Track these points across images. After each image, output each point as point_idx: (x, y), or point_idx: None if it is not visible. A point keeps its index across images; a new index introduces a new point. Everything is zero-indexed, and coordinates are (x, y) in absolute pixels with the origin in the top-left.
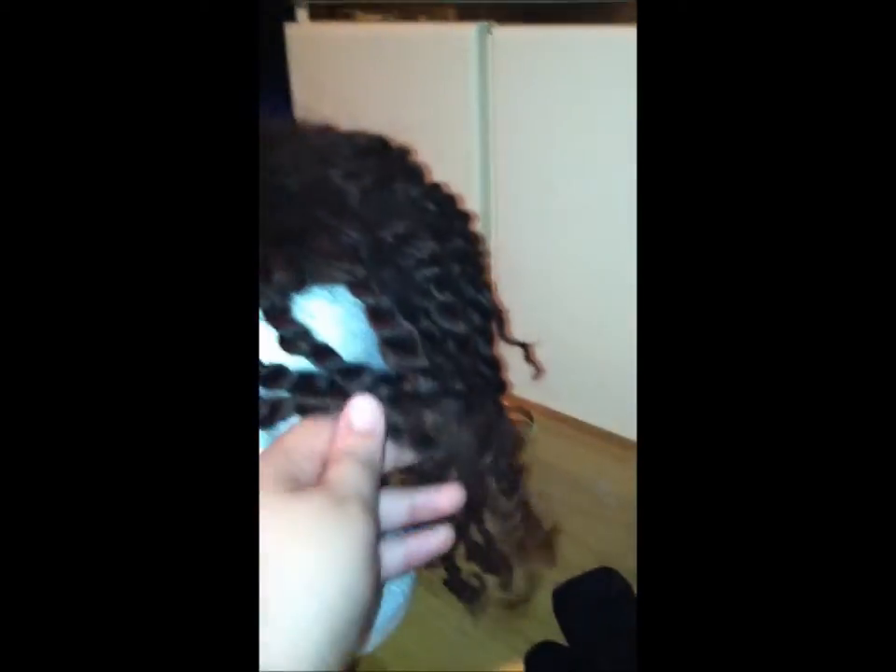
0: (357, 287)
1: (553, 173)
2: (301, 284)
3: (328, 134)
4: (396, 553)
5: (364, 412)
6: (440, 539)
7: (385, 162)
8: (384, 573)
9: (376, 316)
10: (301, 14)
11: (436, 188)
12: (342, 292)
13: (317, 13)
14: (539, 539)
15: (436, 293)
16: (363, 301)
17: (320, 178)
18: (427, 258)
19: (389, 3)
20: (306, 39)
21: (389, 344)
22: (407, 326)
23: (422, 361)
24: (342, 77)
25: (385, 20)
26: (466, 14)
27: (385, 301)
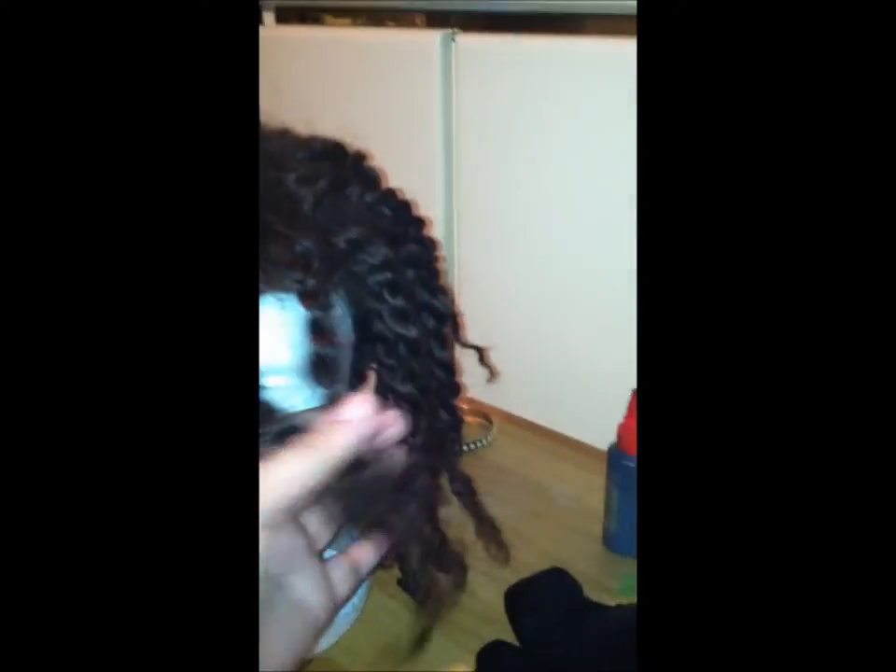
0: (306, 298)
1: (514, 179)
2: None
3: (284, 138)
4: (341, 568)
5: (359, 406)
6: (377, 544)
7: (340, 167)
8: (336, 590)
9: (318, 331)
10: (268, 17)
11: (391, 193)
12: (291, 301)
13: (286, 16)
14: (493, 539)
15: (388, 298)
16: (310, 312)
17: (274, 182)
18: (380, 263)
19: (359, 8)
20: (271, 42)
21: (319, 361)
22: (342, 348)
23: (340, 386)
24: (306, 81)
25: (354, 24)
26: (435, 21)
27: (328, 318)
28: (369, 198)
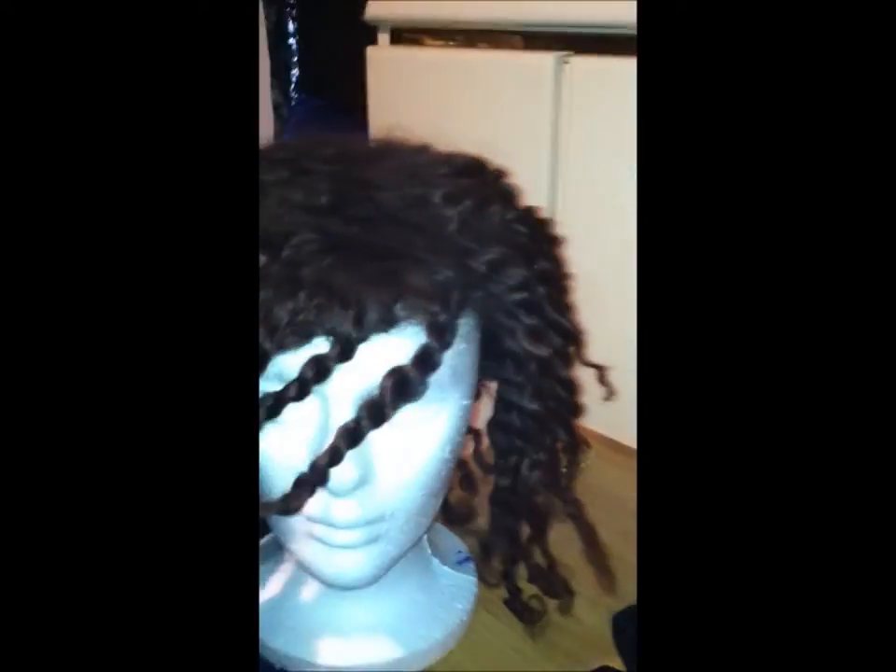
0: (434, 332)
1: (620, 201)
2: (389, 325)
3: (425, 153)
4: None
5: None
6: None
7: (483, 185)
8: None
9: (432, 365)
10: (383, 37)
11: (529, 211)
12: (418, 331)
13: (395, 38)
14: (600, 564)
15: (523, 317)
16: (431, 345)
17: (418, 197)
18: (518, 284)
19: (457, 30)
20: (385, 61)
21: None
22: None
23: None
24: (416, 100)
25: (447, 45)
26: (531, 43)
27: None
28: (508, 216)
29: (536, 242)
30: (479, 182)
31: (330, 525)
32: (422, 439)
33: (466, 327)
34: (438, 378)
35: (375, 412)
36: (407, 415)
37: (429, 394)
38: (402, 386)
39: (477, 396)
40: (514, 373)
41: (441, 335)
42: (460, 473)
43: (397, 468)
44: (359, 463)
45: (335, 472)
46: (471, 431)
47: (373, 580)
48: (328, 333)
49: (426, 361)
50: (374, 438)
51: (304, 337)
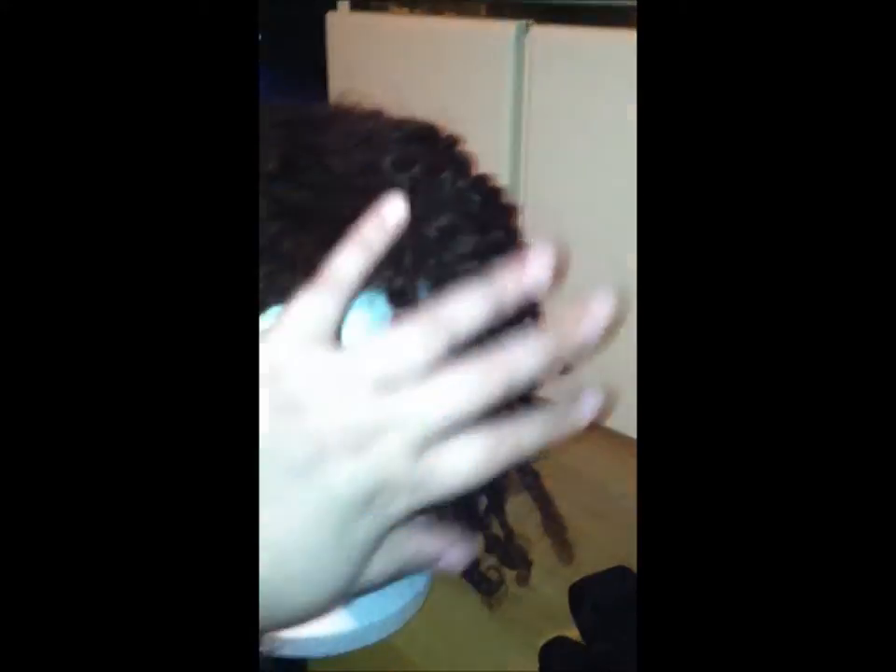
0: (394, 297)
1: (583, 174)
2: None
3: (377, 118)
4: (414, 543)
5: (394, 207)
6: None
7: (435, 151)
8: (397, 556)
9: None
10: (342, 4)
11: (482, 179)
12: (379, 299)
13: (355, 4)
14: (558, 535)
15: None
16: (394, 312)
17: (368, 163)
18: (469, 252)
19: None
20: (346, 28)
21: None
22: None
23: None
24: (378, 68)
25: (412, 13)
26: (496, 11)
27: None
28: (461, 184)
29: (489, 210)
30: (430, 148)
31: None
32: None
33: (421, 295)
34: None
35: None
36: None
37: None
38: None
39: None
40: (467, 344)
41: (399, 299)
42: None
43: None
44: None
45: None
46: None
47: None
48: (281, 302)
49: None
50: None
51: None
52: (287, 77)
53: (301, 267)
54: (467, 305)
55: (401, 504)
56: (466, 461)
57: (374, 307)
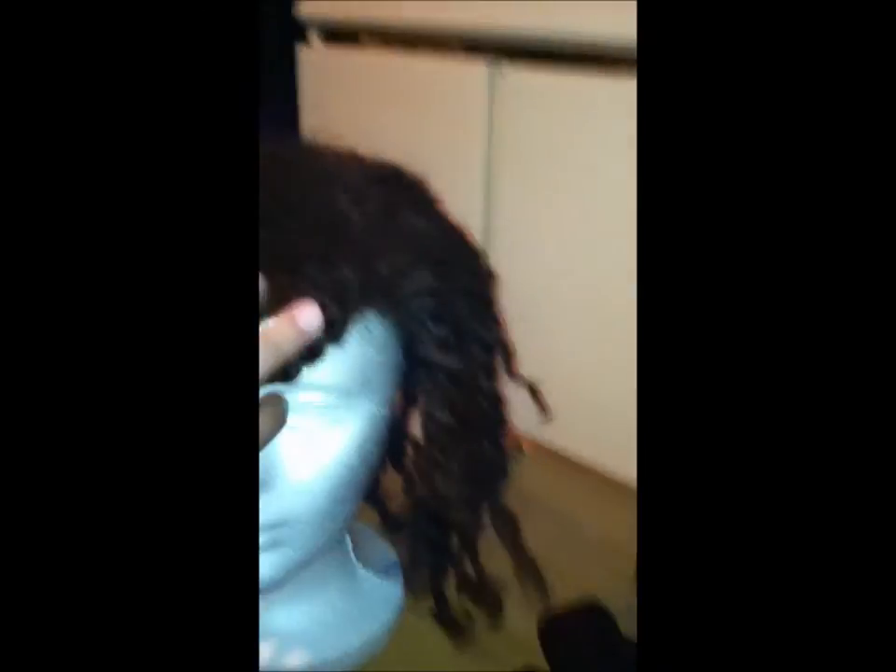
0: (328, 329)
1: (555, 210)
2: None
3: (341, 157)
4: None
5: (308, 314)
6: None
7: (394, 191)
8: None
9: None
10: (314, 38)
11: (444, 220)
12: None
13: (327, 37)
14: (532, 578)
15: (430, 326)
16: (321, 340)
17: (326, 201)
18: (423, 290)
19: (396, 32)
20: (319, 63)
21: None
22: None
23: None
24: (350, 103)
25: (386, 47)
26: (471, 49)
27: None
28: (420, 223)
29: (452, 251)
30: (391, 187)
31: None
32: (325, 444)
33: (374, 333)
34: (342, 383)
35: None
36: (310, 420)
37: (334, 399)
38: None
39: (415, 402)
40: (427, 383)
41: (329, 330)
42: (403, 480)
43: (299, 471)
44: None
45: None
46: (411, 439)
47: (278, 584)
48: None
49: (309, 350)
50: (277, 441)
51: None
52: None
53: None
54: None
55: None
56: None
57: None
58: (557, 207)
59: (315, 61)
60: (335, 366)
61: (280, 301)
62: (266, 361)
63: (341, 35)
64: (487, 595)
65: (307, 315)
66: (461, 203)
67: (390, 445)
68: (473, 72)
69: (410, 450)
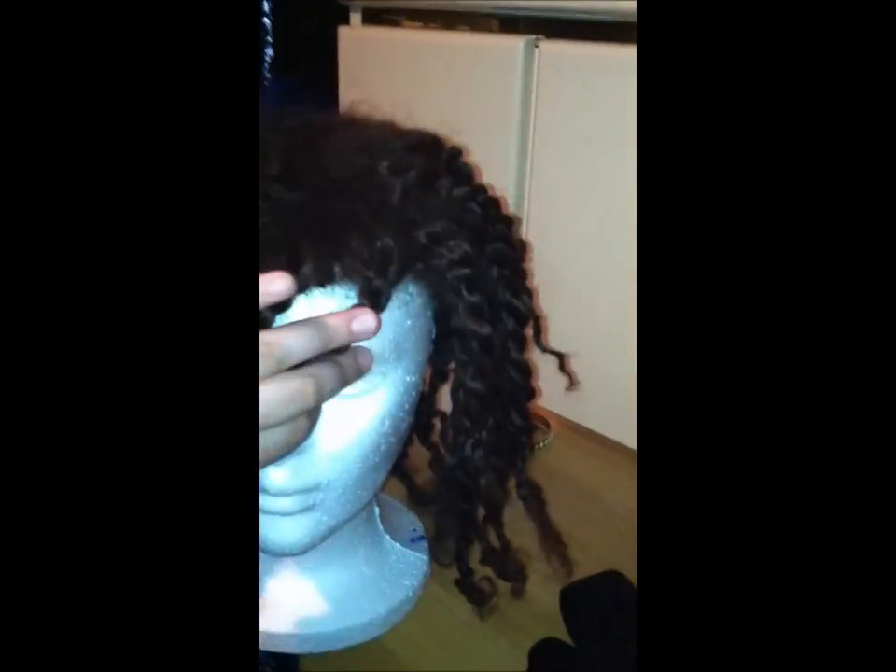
0: (366, 294)
1: (588, 186)
2: (325, 280)
3: (381, 128)
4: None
5: (366, 322)
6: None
7: (433, 160)
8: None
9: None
10: (355, 17)
11: (481, 189)
12: (352, 294)
13: (367, 18)
14: (555, 550)
15: (465, 293)
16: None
17: (365, 167)
18: (459, 258)
19: (434, 11)
20: (358, 42)
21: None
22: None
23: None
24: (387, 81)
25: (426, 27)
26: (508, 26)
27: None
28: (457, 193)
29: (487, 221)
30: (430, 157)
31: (264, 490)
32: (360, 410)
33: (410, 301)
34: (377, 350)
35: None
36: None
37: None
38: None
39: (444, 377)
40: (460, 352)
41: (373, 299)
42: (430, 455)
43: (334, 438)
44: None
45: None
46: (438, 413)
47: (307, 548)
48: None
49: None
50: None
51: None
52: (300, 89)
53: (285, 251)
54: (297, 337)
55: None
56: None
57: (347, 301)
58: (592, 179)
59: (354, 38)
60: None
61: (325, 274)
62: (312, 346)
63: (380, 16)
64: (511, 566)
65: (364, 322)
66: (496, 174)
67: (418, 419)
68: (509, 45)
69: (437, 423)
